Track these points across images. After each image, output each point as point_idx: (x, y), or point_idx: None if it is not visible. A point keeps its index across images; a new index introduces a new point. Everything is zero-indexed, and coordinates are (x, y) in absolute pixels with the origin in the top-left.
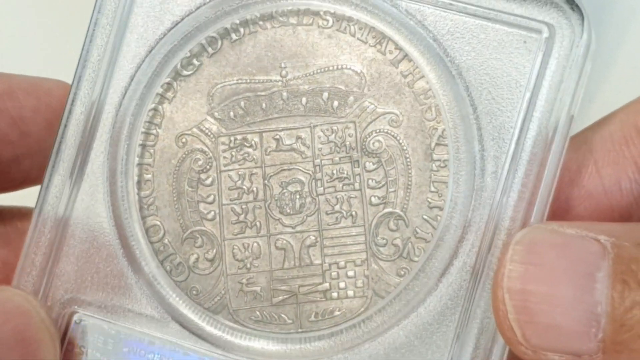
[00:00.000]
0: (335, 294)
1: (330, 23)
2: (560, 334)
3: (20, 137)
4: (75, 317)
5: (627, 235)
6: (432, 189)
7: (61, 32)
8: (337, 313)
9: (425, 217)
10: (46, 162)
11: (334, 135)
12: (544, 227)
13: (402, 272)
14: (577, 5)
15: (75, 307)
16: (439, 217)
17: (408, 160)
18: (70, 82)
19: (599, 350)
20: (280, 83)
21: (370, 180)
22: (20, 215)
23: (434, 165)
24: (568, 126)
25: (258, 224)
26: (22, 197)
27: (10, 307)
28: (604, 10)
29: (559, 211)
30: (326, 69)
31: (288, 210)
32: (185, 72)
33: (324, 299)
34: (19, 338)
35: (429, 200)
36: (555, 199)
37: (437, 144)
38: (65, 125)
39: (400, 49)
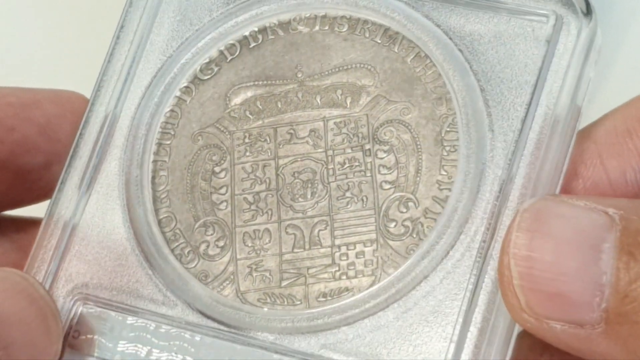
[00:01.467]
0: (343, 274)
1: (346, 27)
2: (563, 303)
3: (49, 144)
4: (83, 304)
5: (636, 209)
6: (443, 172)
7: (78, 39)
8: (345, 292)
9: (435, 198)
10: None
11: (346, 127)
12: (552, 197)
13: (411, 251)
14: None
15: (83, 293)
16: (448, 198)
17: (419, 146)
18: (85, 92)
19: (602, 321)
20: (295, 84)
21: (381, 167)
22: (34, 224)
23: (444, 150)
24: (576, 112)
25: (269, 211)
26: (40, 209)
27: (9, 285)
28: (604, 10)
29: None
30: (340, 68)
31: (299, 198)
32: (203, 77)
33: (332, 279)
34: (20, 316)
35: (439, 182)
36: (562, 191)
37: (447, 131)
38: (85, 124)
39: (414, 46)
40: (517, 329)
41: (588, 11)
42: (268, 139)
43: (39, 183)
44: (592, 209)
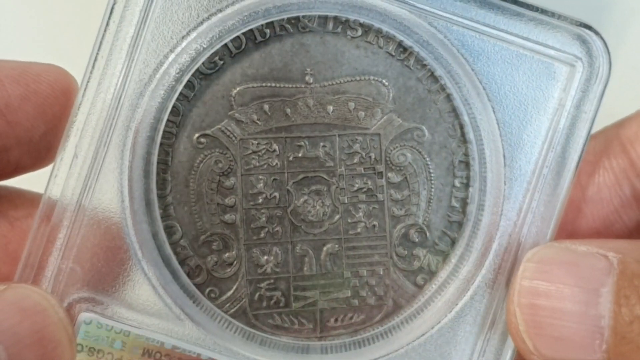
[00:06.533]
0: (355, 302)
1: (359, 32)
2: (568, 346)
3: (7, 127)
4: (85, 318)
5: (634, 252)
6: (454, 203)
7: (77, 26)
8: (356, 320)
9: (445, 230)
10: (38, 150)
11: (358, 146)
12: (557, 245)
13: (422, 282)
14: (604, 42)
15: (87, 307)
16: (459, 232)
17: (431, 174)
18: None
19: None
20: (306, 90)
21: (393, 193)
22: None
23: (456, 181)
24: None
25: (279, 229)
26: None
27: (28, 305)
28: (604, 11)
29: None
30: (353, 78)
31: (310, 218)
32: (207, 71)
33: (344, 306)
34: (36, 337)
35: (449, 214)
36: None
37: (460, 162)
38: (82, 119)
39: (429, 66)
40: None
41: (607, 57)
42: (277, 151)
43: None
44: (593, 254)
